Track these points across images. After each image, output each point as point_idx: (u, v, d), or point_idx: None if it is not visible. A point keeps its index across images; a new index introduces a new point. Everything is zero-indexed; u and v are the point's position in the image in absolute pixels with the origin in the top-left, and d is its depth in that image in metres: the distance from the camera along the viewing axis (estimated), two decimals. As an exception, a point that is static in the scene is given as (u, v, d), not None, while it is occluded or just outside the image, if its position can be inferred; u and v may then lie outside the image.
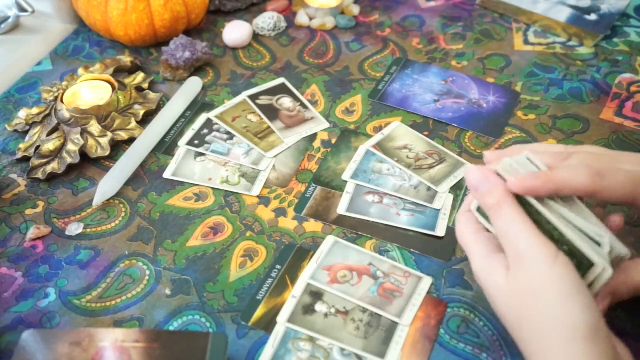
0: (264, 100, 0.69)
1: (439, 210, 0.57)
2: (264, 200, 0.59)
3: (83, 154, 0.62)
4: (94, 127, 0.64)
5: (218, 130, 0.66)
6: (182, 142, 0.65)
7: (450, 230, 0.55)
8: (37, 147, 0.63)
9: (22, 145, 0.64)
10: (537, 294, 0.39)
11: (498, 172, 0.43)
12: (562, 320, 0.38)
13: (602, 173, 0.42)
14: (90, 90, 0.67)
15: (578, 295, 0.38)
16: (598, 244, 0.41)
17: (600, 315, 0.38)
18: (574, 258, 0.41)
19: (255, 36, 0.79)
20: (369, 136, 0.65)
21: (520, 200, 0.42)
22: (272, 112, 0.68)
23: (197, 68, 0.74)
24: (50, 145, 0.62)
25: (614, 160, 0.44)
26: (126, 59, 0.73)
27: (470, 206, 0.46)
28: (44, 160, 0.62)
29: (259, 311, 0.50)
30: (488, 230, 0.45)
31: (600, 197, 0.42)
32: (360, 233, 0.56)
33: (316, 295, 0.51)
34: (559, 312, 0.38)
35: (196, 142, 0.65)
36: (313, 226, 0.57)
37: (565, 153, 0.45)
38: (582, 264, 0.41)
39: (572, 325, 0.38)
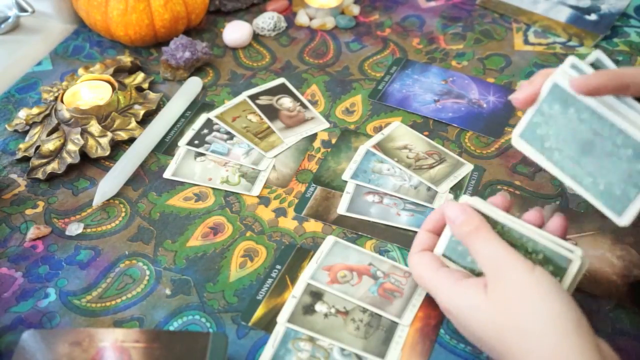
0: (264, 100, 0.69)
1: (439, 210, 0.57)
2: (264, 200, 0.59)
3: (83, 154, 0.62)
4: (94, 127, 0.64)
5: (218, 130, 0.66)
6: (182, 142, 0.65)
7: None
8: (37, 147, 0.63)
9: (22, 145, 0.64)
10: (520, 300, 0.40)
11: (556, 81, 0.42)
12: (548, 319, 0.39)
13: None
14: (90, 90, 0.67)
15: (559, 294, 0.40)
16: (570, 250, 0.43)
17: (581, 312, 0.39)
18: (550, 264, 0.43)
19: (255, 36, 0.79)
20: (369, 136, 0.65)
21: (491, 223, 0.44)
22: (272, 112, 0.68)
23: (197, 68, 0.74)
24: (50, 145, 0.62)
25: None
26: (126, 59, 0.73)
27: (434, 250, 0.48)
28: (44, 160, 0.62)
29: (259, 311, 0.50)
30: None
31: None
32: (360, 233, 0.56)
33: (316, 295, 0.51)
34: (544, 311, 0.39)
35: (196, 142, 0.65)
36: (313, 226, 0.57)
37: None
38: (560, 267, 0.43)
39: (558, 322, 0.38)
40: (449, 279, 0.44)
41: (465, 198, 0.46)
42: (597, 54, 0.43)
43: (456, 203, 0.46)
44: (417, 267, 0.47)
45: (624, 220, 0.41)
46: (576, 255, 0.42)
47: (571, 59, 0.42)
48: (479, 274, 0.45)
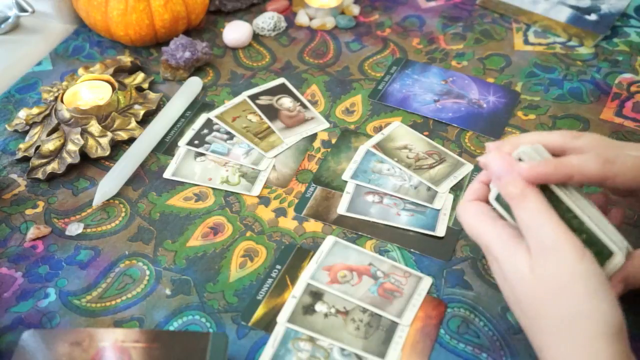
0: (264, 100, 0.69)
1: (439, 210, 0.57)
2: (264, 200, 0.59)
3: (83, 154, 0.62)
4: (94, 127, 0.64)
5: (218, 130, 0.66)
6: (182, 142, 0.65)
7: (450, 230, 0.55)
8: (37, 147, 0.63)
9: (22, 145, 0.64)
10: (563, 288, 0.39)
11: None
12: (587, 316, 0.38)
13: (611, 160, 0.42)
14: (90, 90, 0.67)
15: (605, 293, 0.38)
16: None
17: (622, 316, 0.38)
18: (593, 246, 0.41)
19: (255, 36, 0.79)
20: (369, 136, 0.65)
21: (542, 187, 0.42)
22: (272, 112, 0.68)
23: (197, 68, 0.74)
24: (50, 145, 0.62)
25: (620, 148, 0.44)
26: (126, 59, 0.73)
27: (489, 196, 0.45)
28: (44, 160, 0.62)
29: (259, 311, 0.50)
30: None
31: (610, 184, 0.42)
32: (360, 233, 0.56)
33: (316, 295, 0.51)
34: (585, 307, 0.38)
35: (196, 142, 0.65)
36: (313, 226, 0.57)
37: (575, 132, 0.44)
38: (602, 253, 0.41)
39: (598, 321, 0.38)
40: (507, 232, 0.42)
41: (521, 147, 0.43)
42: (528, 149, 0.43)
43: (502, 155, 0.42)
44: (472, 217, 0.45)
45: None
46: (619, 249, 0.41)
47: (527, 147, 0.43)
48: None
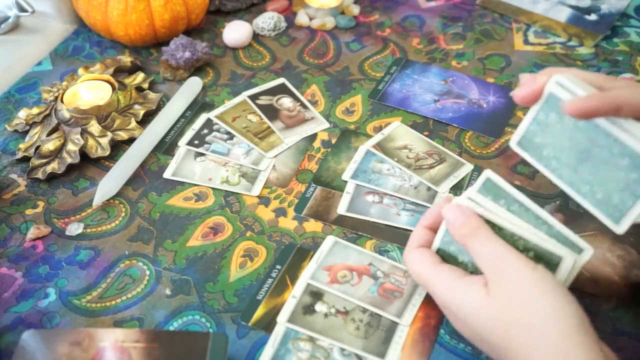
0: (264, 100, 0.69)
1: (439, 210, 0.57)
2: (264, 200, 0.59)
3: (83, 154, 0.62)
4: (94, 127, 0.64)
5: (218, 130, 0.66)
6: (182, 142, 0.65)
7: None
8: (37, 147, 0.63)
9: (22, 145, 0.64)
10: (524, 298, 0.40)
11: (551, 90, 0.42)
12: (552, 317, 0.39)
13: None
14: (90, 90, 0.67)
15: (562, 292, 0.40)
16: (580, 250, 0.43)
17: (584, 311, 0.39)
18: (542, 260, 0.43)
19: (255, 36, 0.79)
20: (369, 136, 0.65)
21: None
22: (272, 112, 0.68)
23: (197, 68, 0.74)
24: (50, 145, 0.62)
25: None
26: (126, 59, 0.73)
27: (432, 246, 0.48)
28: (44, 160, 0.62)
29: (259, 311, 0.50)
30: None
31: None
32: (360, 233, 0.56)
33: (316, 295, 0.51)
34: (548, 308, 0.39)
35: (196, 142, 0.65)
36: (313, 226, 0.57)
37: (612, 77, 0.44)
38: (552, 262, 0.43)
39: (562, 319, 0.38)
40: (450, 275, 0.44)
41: (460, 199, 0.46)
42: (564, 79, 0.43)
43: (454, 205, 0.45)
44: (415, 263, 0.47)
45: (621, 228, 0.41)
46: (567, 252, 0.42)
47: (566, 75, 0.43)
48: (473, 272, 0.45)
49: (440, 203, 0.47)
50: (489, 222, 0.44)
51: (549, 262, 0.43)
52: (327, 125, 0.67)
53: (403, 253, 0.49)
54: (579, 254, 0.43)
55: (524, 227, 0.44)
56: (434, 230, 0.48)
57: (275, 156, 0.63)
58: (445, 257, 0.47)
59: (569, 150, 0.43)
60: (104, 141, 0.63)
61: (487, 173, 0.45)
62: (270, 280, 0.52)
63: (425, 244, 0.48)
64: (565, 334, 0.38)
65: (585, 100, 0.40)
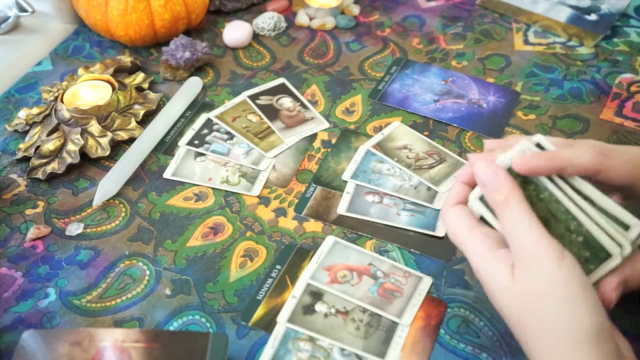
0: (264, 100, 0.69)
1: (439, 210, 0.57)
2: (264, 200, 0.59)
3: (83, 154, 0.62)
4: (94, 127, 0.64)
5: (218, 130, 0.66)
6: (182, 142, 0.65)
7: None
8: (37, 147, 0.63)
9: (22, 145, 0.64)
10: (542, 297, 0.39)
11: (505, 162, 0.43)
12: (567, 323, 0.38)
13: (605, 152, 0.42)
14: (90, 90, 0.67)
15: (584, 297, 0.38)
16: (626, 227, 0.41)
17: (605, 316, 0.38)
18: (590, 249, 0.41)
19: (255, 36, 0.79)
20: (369, 136, 0.65)
21: (538, 188, 0.42)
22: (272, 112, 0.68)
23: (197, 68, 0.74)
24: (50, 145, 0.62)
25: (616, 146, 0.44)
26: (126, 59, 0.73)
27: (469, 197, 0.45)
28: (44, 160, 0.62)
29: (259, 311, 0.50)
30: (484, 223, 0.44)
31: (604, 176, 0.42)
32: (360, 233, 0.56)
33: (316, 295, 0.51)
34: (564, 314, 0.38)
35: (196, 142, 0.65)
36: (313, 226, 0.57)
37: (570, 140, 0.45)
38: (598, 255, 0.41)
39: (577, 328, 0.38)
40: (483, 244, 0.42)
41: (494, 144, 0.44)
42: (538, 137, 0.43)
43: (487, 163, 0.43)
44: (452, 223, 0.45)
45: None
46: (618, 252, 0.41)
47: (523, 141, 0.43)
48: None
49: (473, 161, 0.44)
50: (544, 189, 0.42)
51: (595, 253, 0.41)
52: (327, 125, 0.67)
53: (440, 210, 0.47)
54: (630, 236, 0.41)
55: (584, 207, 0.42)
56: (473, 186, 0.46)
57: (275, 156, 0.63)
58: (489, 206, 0.44)
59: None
60: (104, 141, 0.63)
61: (539, 137, 0.43)
62: (270, 280, 0.52)
63: (464, 200, 0.46)
64: (577, 342, 0.37)
65: (532, 158, 0.41)
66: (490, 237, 0.43)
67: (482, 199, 0.44)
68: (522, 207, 0.41)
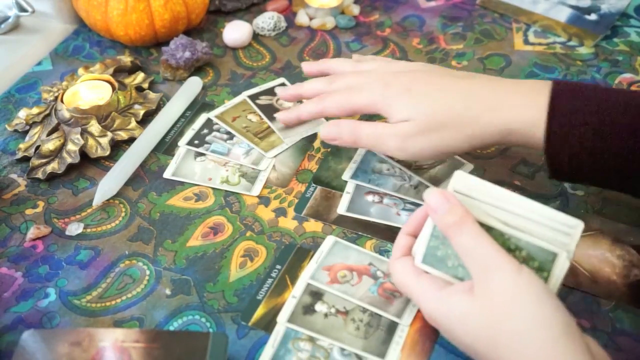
0: (264, 100, 0.69)
1: (439, 210, 0.57)
2: (264, 200, 0.59)
3: (83, 154, 0.62)
4: (94, 127, 0.64)
5: (218, 130, 0.66)
6: (182, 142, 0.65)
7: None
8: (37, 147, 0.63)
9: (22, 145, 0.64)
10: (509, 303, 0.39)
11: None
12: (537, 323, 0.38)
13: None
14: (90, 90, 0.67)
15: (548, 297, 0.39)
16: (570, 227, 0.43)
17: (570, 314, 0.39)
18: (536, 259, 0.42)
19: (255, 36, 0.79)
20: (369, 136, 0.65)
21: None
22: (272, 112, 0.68)
23: (197, 68, 0.74)
24: (50, 145, 0.62)
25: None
26: (126, 59, 0.73)
27: (413, 249, 0.47)
28: (44, 160, 0.62)
29: (259, 311, 0.50)
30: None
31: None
32: (360, 233, 0.56)
33: (316, 295, 0.51)
34: (533, 315, 0.39)
35: (196, 142, 0.65)
36: (313, 226, 0.57)
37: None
38: (546, 259, 0.42)
39: (548, 325, 0.38)
40: (432, 286, 0.44)
41: (451, 183, 0.45)
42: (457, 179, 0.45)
43: (439, 190, 0.44)
44: (399, 275, 0.46)
45: None
46: (561, 249, 0.42)
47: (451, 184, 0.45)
48: (461, 279, 0.44)
49: (425, 193, 0.45)
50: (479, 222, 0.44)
51: (544, 260, 0.42)
52: (327, 125, 0.67)
53: (388, 263, 0.49)
54: (570, 234, 0.42)
55: (515, 224, 0.43)
56: (417, 237, 0.47)
57: (275, 156, 0.63)
58: (434, 264, 0.45)
59: None
60: (104, 141, 0.63)
61: (458, 173, 0.45)
62: (270, 280, 0.52)
63: (408, 252, 0.47)
64: (551, 340, 0.38)
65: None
66: (437, 280, 0.44)
67: (423, 262, 0.46)
68: (476, 226, 0.42)
